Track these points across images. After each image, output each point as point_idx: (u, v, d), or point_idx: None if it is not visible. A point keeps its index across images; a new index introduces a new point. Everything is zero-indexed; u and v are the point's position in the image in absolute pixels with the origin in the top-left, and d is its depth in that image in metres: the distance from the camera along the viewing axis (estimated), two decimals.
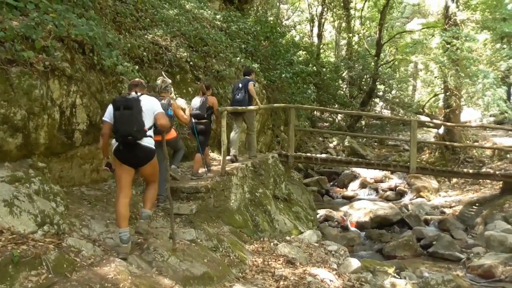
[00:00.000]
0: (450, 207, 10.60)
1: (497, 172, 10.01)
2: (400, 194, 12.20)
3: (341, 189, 13.26)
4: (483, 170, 11.55)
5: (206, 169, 6.06)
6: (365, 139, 18.17)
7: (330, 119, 21.63)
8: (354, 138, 16.74)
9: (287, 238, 5.99)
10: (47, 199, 3.54)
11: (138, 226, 3.87)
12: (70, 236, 3.46)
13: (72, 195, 4.34)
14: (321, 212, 9.45)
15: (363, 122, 20.43)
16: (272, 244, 5.48)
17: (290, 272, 4.49)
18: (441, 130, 14.01)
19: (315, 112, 18.72)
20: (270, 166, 7.39)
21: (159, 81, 4.99)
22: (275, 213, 6.58)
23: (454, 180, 12.74)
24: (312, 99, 12.41)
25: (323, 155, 10.64)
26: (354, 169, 13.82)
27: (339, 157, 12.47)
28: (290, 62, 11.36)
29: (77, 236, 3.54)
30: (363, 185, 13.04)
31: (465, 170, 10.53)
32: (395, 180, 13.29)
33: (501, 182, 10.07)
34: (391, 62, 21.44)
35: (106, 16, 5.91)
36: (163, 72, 5.70)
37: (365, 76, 20.27)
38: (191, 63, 7.46)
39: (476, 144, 14.09)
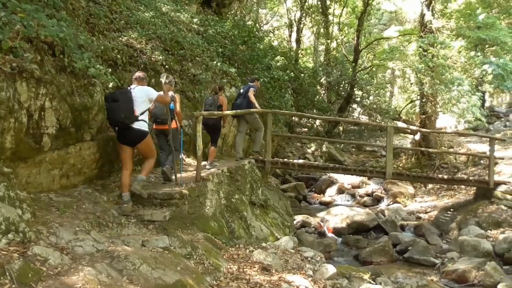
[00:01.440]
0: (426, 212, 10.83)
1: (470, 178, 10.32)
2: (377, 200, 12.40)
3: (318, 195, 13.37)
4: (458, 175, 11.87)
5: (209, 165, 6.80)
6: (342, 144, 18.42)
7: (308, 124, 21.83)
8: (332, 144, 16.95)
9: (263, 244, 6.00)
10: (12, 206, 3.44)
11: (132, 186, 4.92)
12: (36, 244, 3.37)
13: (39, 201, 4.23)
14: (298, 218, 9.49)
15: (340, 128, 20.72)
16: (247, 251, 5.47)
17: (265, 279, 4.49)
18: (417, 136, 14.33)
19: (293, 118, 18.86)
20: (246, 171, 7.40)
21: (163, 78, 5.49)
22: (251, 219, 6.58)
23: (430, 185, 13.03)
24: (290, 104, 12.52)
25: (301, 161, 10.74)
26: (331, 174, 13.98)
27: (317, 162, 12.59)
28: (268, 66, 11.44)
29: (44, 244, 3.45)
30: (341, 191, 13.18)
31: (440, 176, 10.79)
32: (372, 186, 13.51)
33: (474, 188, 10.35)
34: (369, 68, 21.82)
35: (78, 17, 5.81)
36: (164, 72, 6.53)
37: (343, 82, 20.58)
38: (166, 66, 7.40)
39: (451, 150, 14.48)
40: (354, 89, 20.35)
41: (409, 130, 15.73)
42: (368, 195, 12.82)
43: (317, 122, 21.69)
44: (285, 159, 11.13)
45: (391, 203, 11.98)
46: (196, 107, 7.73)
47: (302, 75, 19.44)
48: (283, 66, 15.88)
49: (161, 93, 5.17)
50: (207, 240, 5.12)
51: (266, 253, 5.35)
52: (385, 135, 9.82)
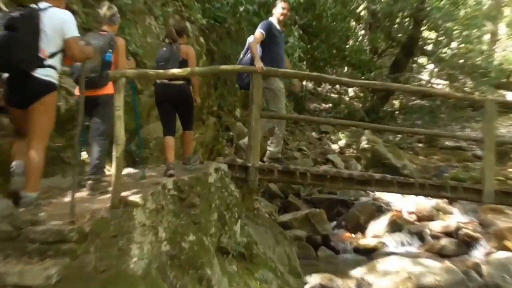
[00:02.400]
0: None
1: None
2: (467, 244, 12.46)
3: (352, 235, 13.43)
4: None
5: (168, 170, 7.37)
6: (400, 135, 18.49)
7: (333, 95, 21.93)
8: (379, 134, 17.01)
9: None
10: None
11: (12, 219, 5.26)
12: None
13: None
14: (313, 281, 9.51)
15: (396, 103, 20.83)
16: None
17: None
18: None
19: (304, 82, 18.91)
20: (212, 188, 7.39)
21: (104, 8, 6.29)
22: (220, 283, 6.58)
23: None
24: (297, 56, 12.46)
25: (316, 168, 10.75)
26: (378, 194, 14.02)
27: (349, 171, 12.61)
28: None
29: None
30: (396, 227, 13.25)
31: None
32: (457, 217, 13.60)
33: None
34: None
35: None
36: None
37: (400, 14, 20.68)
38: None
39: None
40: (422, 29, 20.45)
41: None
42: (448, 234, 12.87)
43: (351, 91, 21.78)
44: (288, 165, 11.04)
45: (495, 250, 12.06)
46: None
47: None
48: None
49: (77, 35, 5.65)
50: None
51: None
52: (481, 118, 9.85)
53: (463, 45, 22.10)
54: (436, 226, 13.35)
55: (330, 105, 20.89)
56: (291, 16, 13.63)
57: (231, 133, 12.02)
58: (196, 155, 8.26)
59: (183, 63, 7.75)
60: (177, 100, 7.90)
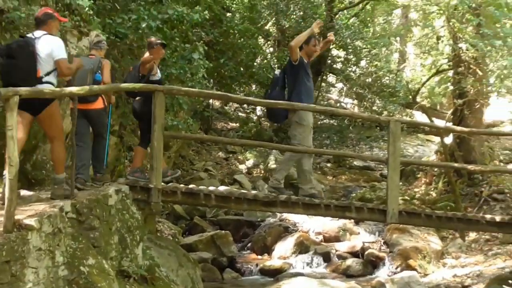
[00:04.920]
0: (464, 287, 11.37)
1: None
2: (372, 264, 12.81)
3: (259, 256, 13.55)
4: None
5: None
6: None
7: (241, 115, 22.08)
8: (282, 153, 17.24)
9: None
10: None
11: (52, 193, 7.08)
12: None
13: None
14: None
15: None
16: None
17: None
18: (448, 140, 14.98)
19: (211, 101, 19.02)
20: (112, 211, 7.38)
21: (92, 35, 7.87)
22: None
23: (473, 235, 13.69)
24: (202, 73, 12.55)
25: (224, 188, 10.82)
26: (285, 216, 14.21)
27: (256, 192, 12.75)
28: None
29: None
30: (303, 247, 13.46)
31: (487, 216, 11.35)
32: (363, 237, 13.92)
33: None
34: (358, 5, 22.50)
35: None
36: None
37: None
38: None
39: (511, 167, 15.28)
40: (331, 46, 20.86)
41: (432, 128, 16.40)
42: (354, 254, 13.18)
43: (259, 110, 22.00)
44: (192, 186, 11.05)
45: (399, 269, 12.42)
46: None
47: (229, 15, 19.64)
48: None
49: (64, 57, 7.02)
50: None
51: None
52: (387, 137, 10.16)
53: (371, 63, 22.57)
54: (342, 246, 13.69)
55: (237, 124, 21.01)
56: (196, 32, 13.74)
57: (133, 153, 11.98)
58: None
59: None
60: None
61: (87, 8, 9.16)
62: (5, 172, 5.83)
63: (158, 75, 9.37)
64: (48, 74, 6.84)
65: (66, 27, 8.89)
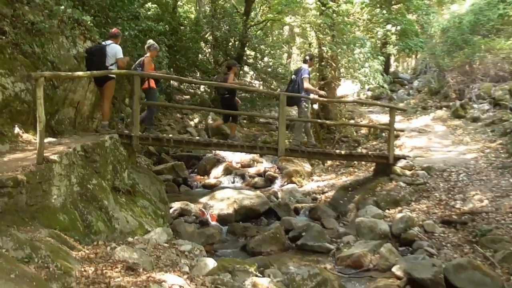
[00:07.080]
0: (323, 192, 11.75)
1: (370, 153, 11.37)
2: (270, 180, 13.08)
3: (201, 177, 13.66)
4: (357, 150, 13.01)
5: None
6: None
7: (191, 90, 21.88)
8: (219, 115, 17.21)
9: (129, 239, 6.00)
10: None
11: (100, 132, 7.98)
12: None
13: None
14: (176, 206, 9.63)
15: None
16: (108, 248, 5.43)
17: (130, 281, 4.53)
18: (315, 106, 15.28)
19: (171, 82, 18.74)
20: (107, 150, 7.26)
21: (147, 42, 9.36)
22: (114, 210, 6.53)
23: (329, 162, 14.11)
24: (165, 64, 12.39)
25: (177, 136, 10.78)
26: (218, 152, 14.33)
27: (198, 138, 12.77)
28: (135, 16, 11.16)
29: None
30: (228, 171, 13.61)
31: (338, 151, 11.73)
32: (265, 165, 14.18)
33: (375, 164, 11.44)
34: (263, 23, 22.41)
35: None
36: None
37: (232, 39, 20.88)
38: None
39: (351, 121, 15.76)
40: (246, 48, 20.79)
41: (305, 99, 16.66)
42: (259, 175, 13.43)
43: (201, 88, 21.84)
44: (159, 134, 10.99)
45: (286, 183, 12.72)
46: (36, 65, 7.28)
47: (182, 28, 19.34)
48: (156, 16, 15.57)
49: (121, 56, 8.01)
50: (54, 238, 4.97)
51: (132, 249, 5.37)
52: (279, 104, 10.29)
53: (270, 59, 22.67)
54: (252, 170, 13.93)
55: (188, 97, 20.81)
56: (161, 38, 13.50)
57: (122, 115, 11.74)
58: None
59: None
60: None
61: (89, 22, 8.86)
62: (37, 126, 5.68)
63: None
64: (111, 65, 7.85)
65: (75, 34, 8.58)
